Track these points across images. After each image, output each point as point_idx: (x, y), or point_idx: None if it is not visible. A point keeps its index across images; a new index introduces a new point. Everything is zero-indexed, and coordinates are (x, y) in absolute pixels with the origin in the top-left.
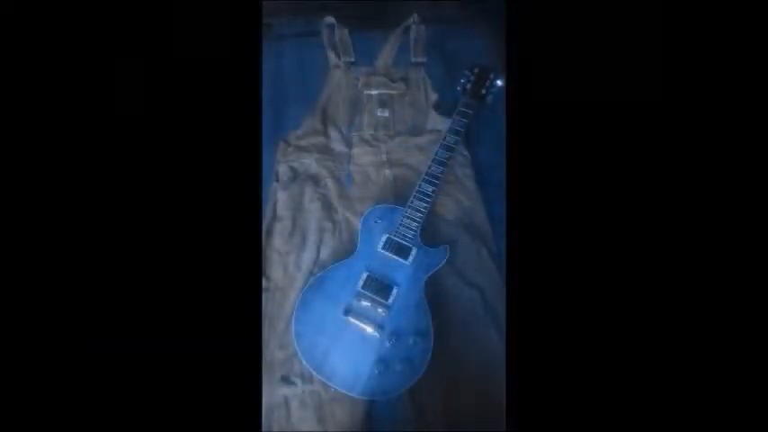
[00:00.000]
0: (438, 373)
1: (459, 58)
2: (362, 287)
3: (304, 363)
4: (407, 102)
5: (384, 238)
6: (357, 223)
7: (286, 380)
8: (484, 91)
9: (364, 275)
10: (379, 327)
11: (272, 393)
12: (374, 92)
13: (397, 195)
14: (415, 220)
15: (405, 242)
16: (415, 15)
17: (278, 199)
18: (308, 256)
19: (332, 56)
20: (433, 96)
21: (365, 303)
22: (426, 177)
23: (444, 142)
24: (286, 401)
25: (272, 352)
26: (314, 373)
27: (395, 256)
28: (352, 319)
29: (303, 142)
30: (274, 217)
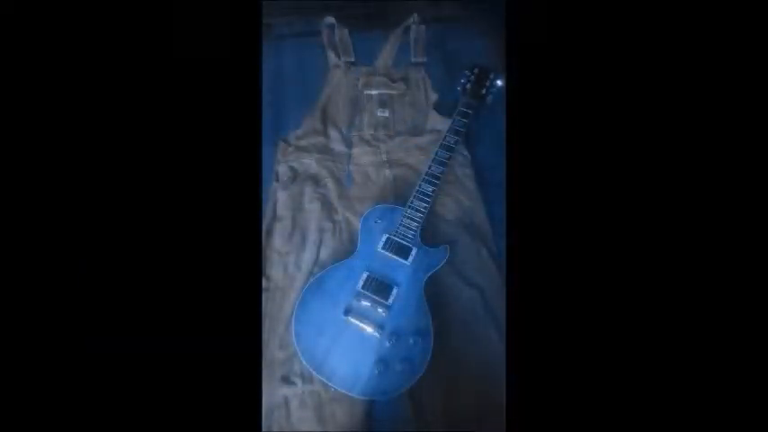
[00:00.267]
0: (438, 373)
1: (459, 58)
2: (362, 287)
3: (304, 363)
4: (407, 102)
5: (384, 238)
6: (357, 223)
7: (286, 380)
8: (484, 91)
9: (364, 275)
10: (379, 327)
11: (272, 393)
12: (374, 92)
13: (397, 195)
14: (414, 220)
15: (405, 242)
16: (415, 15)
17: (278, 199)
18: (307, 257)
19: (332, 56)
20: (433, 96)
21: (365, 303)
22: (426, 177)
23: (444, 142)
24: (286, 401)
25: (272, 352)
26: (314, 373)
27: (395, 256)
28: (352, 319)
29: (303, 142)
30: (274, 217)
